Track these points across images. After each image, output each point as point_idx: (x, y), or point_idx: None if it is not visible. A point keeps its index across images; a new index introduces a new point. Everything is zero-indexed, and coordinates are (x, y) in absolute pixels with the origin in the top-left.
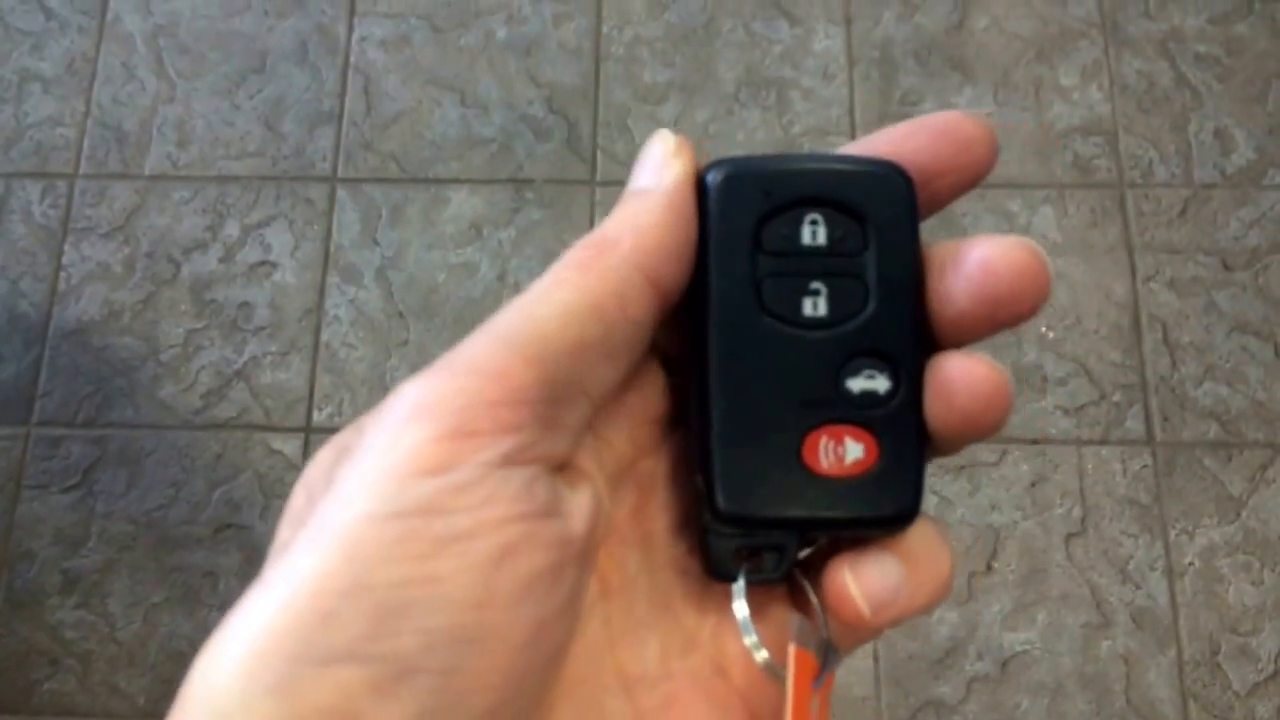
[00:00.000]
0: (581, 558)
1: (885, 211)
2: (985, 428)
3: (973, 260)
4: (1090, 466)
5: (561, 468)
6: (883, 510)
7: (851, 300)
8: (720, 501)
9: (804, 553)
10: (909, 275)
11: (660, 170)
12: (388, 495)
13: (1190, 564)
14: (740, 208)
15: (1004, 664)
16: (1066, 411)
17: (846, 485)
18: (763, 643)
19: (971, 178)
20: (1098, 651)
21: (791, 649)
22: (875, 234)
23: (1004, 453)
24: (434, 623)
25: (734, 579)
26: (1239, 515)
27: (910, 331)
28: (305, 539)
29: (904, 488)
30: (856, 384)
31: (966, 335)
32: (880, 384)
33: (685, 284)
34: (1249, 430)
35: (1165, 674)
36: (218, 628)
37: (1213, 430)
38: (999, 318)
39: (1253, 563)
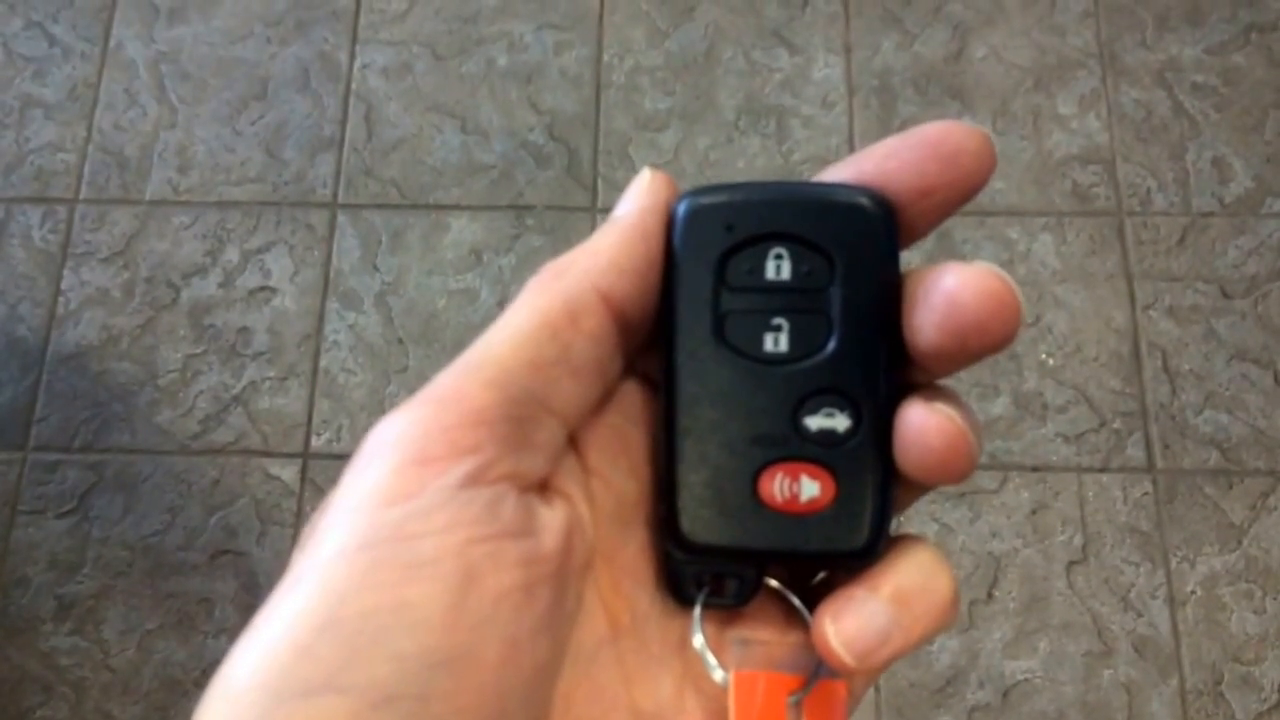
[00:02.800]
0: (557, 576)
1: (854, 245)
2: (945, 479)
3: (938, 292)
4: (1091, 494)
5: (540, 488)
6: (839, 546)
7: (813, 337)
8: (679, 530)
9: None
10: (876, 310)
11: (629, 201)
12: (356, 529)
13: (1192, 592)
14: (703, 242)
15: (1005, 693)
16: (1067, 439)
17: (803, 520)
18: (722, 664)
19: (963, 193)
20: (1099, 680)
21: (731, 673)
22: (842, 268)
23: (1005, 480)
24: (406, 648)
25: (694, 603)
26: (1240, 543)
27: (873, 369)
28: (286, 584)
29: (862, 525)
30: (815, 422)
31: (943, 367)
32: (839, 422)
33: (648, 305)
34: (1249, 458)
35: (1168, 703)
36: (213, 677)
37: (1213, 458)
38: (970, 349)
39: (1255, 591)
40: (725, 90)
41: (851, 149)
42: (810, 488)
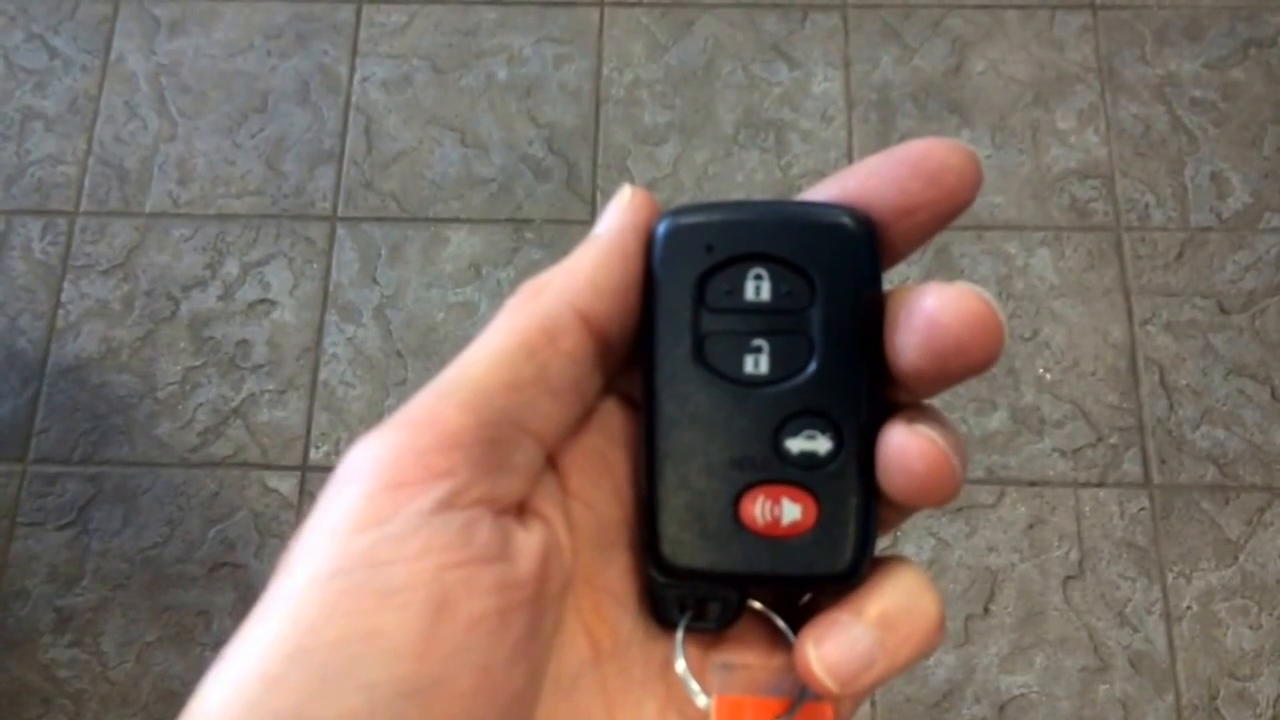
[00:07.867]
0: (534, 601)
1: (834, 265)
2: (927, 502)
3: (918, 313)
4: (1088, 509)
5: (517, 511)
6: (821, 569)
7: (794, 358)
8: (660, 553)
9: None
10: (858, 331)
11: (609, 219)
12: (328, 555)
13: (1188, 608)
14: (683, 263)
15: (1001, 707)
16: (1064, 454)
17: (785, 543)
18: (705, 689)
19: (947, 211)
20: (1095, 695)
21: (714, 698)
22: (823, 288)
23: (1001, 494)
24: (377, 678)
25: (676, 627)
26: (1236, 559)
27: (855, 391)
28: (258, 613)
29: (844, 548)
30: (796, 444)
31: (925, 388)
32: (821, 445)
33: (627, 324)
34: (1246, 473)
35: (1164, 719)
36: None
37: (1210, 473)
38: (952, 370)
39: (1250, 607)
40: (724, 104)
41: (850, 163)
42: (792, 510)
